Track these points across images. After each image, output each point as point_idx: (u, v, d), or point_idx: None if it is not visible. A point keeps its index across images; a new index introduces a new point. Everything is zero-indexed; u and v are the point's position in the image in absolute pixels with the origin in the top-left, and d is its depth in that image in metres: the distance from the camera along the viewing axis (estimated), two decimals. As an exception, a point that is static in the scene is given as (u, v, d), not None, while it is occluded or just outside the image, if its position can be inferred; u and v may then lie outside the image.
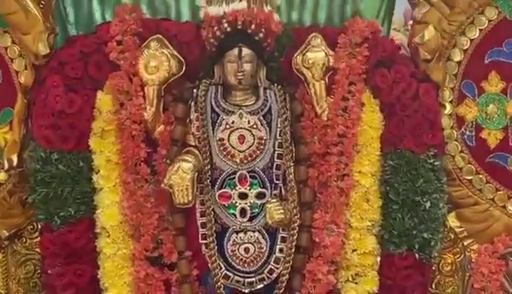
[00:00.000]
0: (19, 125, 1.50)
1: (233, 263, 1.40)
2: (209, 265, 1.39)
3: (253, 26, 1.40)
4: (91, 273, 1.42)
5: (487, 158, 1.51)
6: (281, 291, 1.41)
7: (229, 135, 1.41)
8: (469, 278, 1.55)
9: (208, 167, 1.41)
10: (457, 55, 1.51)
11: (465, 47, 1.50)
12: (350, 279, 1.41)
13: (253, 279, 1.39)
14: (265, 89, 1.45)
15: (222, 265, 1.39)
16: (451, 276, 1.56)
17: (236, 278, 1.39)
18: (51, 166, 1.45)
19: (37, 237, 1.55)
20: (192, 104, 1.44)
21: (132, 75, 1.41)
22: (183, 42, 1.46)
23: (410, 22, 1.79)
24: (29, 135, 1.51)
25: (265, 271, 1.39)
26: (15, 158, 1.50)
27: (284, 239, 1.42)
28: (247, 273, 1.40)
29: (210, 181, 1.41)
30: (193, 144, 1.43)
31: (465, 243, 1.53)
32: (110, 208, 1.41)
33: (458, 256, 1.57)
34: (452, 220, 1.52)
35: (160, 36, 1.44)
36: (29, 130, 1.52)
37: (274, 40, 1.46)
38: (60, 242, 1.44)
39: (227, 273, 1.39)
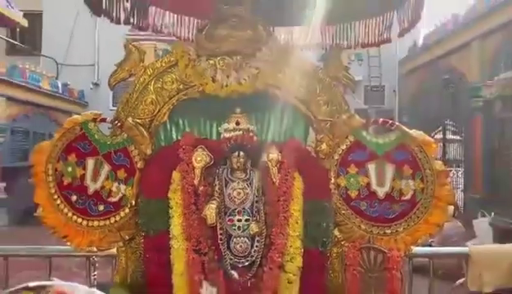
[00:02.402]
0: (136, 186, 1.67)
1: (234, 252, 1.58)
2: (222, 253, 1.58)
3: (244, 142, 1.64)
4: (167, 257, 1.57)
5: (351, 203, 1.70)
6: (256, 266, 1.57)
7: (232, 191, 1.62)
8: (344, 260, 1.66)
9: (223, 206, 1.61)
10: (337, 156, 1.71)
11: (340, 153, 1.71)
12: (289, 260, 1.56)
13: (243, 261, 1.58)
14: (250, 170, 1.66)
15: (229, 253, 1.58)
16: (336, 258, 1.69)
17: (235, 259, 1.57)
18: (148, 206, 1.63)
19: (142, 239, 1.68)
20: (216, 177, 1.65)
21: (189, 163, 1.62)
22: (213, 149, 1.67)
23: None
24: (140, 190, 1.65)
25: (249, 256, 1.58)
26: (133, 202, 1.67)
27: (258, 241, 1.58)
28: (240, 257, 1.59)
29: (224, 213, 1.61)
30: (216, 196, 1.63)
31: (342, 243, 1.69)
32: (176, 226, 1.58)
33: (338, 249, 1.69)
34: (336, 232, 1.69)
35: (203, 146, 1.66)
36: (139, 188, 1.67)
37: (254, 148, 1.65)
38: (153, 243, 1.63)
39: (231, 257, 1.58)
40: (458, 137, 10.34)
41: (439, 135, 10.73)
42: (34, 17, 12.03)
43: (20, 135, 9.89)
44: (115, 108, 1.85)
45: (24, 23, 7.49)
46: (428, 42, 11.16)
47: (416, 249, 1.80)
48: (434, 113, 10.74)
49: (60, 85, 11.35)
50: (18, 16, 7.11)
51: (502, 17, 7.87)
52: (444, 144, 10.58)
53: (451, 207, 1.71)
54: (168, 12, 2.30)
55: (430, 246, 4.20)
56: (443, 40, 10.39)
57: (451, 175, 9.26)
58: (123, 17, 2.03)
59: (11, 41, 12.44)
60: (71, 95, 11.99)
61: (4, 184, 7.81)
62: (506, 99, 5.26)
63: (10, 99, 9.01)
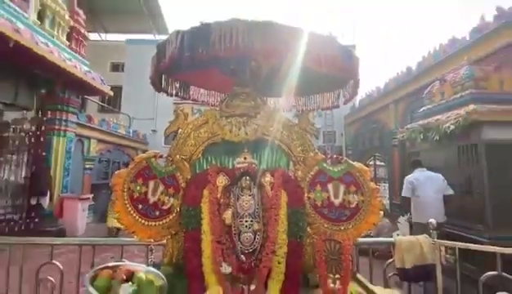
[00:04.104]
0: (180, 199, 1.62)
1: (243, 243, 1.52)
2: (235, 243, 1.52)
3: (249, 170, 1.61)
4: (199, 246, 1.49)
5: (318, 209, 1.62)
6: (257, 252, 1.50)
7: (242, 202, 1.57)
8: (314, 247, 1.56)
9: (236, 212, 1.55)
10: (308, 179, 1.65)
11: (310, 177, 1.66)
12: (278, 248, 1.50)
13: (249, 248, 1.51)
14: (253, 188, 1.60)
15: (239, 243, 1.52)
16: (308, 246, 1.61)
17: (243, 248, 1.51)
18: (188, 212, 1.57)
19: (183, 234, 1.58)
20: (232, 193, 1.60)
21: (214, 184, 1.58)
22: (229, 175, 1.63)
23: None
24: (182, 201, 1.62)
25: (252, 246, 1.51)
26: (178, 209, 1.62)
27: (258, 235, 1.53)
28: (247, 246, 1.52)
29: (236, 216, 1.54)
30: (231, 205, 1.58)
31: (312, 236, 1.62)
32: (205, 225, 1.51)
33: (310, 240, 1.63)
34: (309, 229, 1.56)
35: (223, 173, 1.61)
36: (182, 200, 1.62)
37: (255, 174, 1.62)
38: (190, 236, 1.54)
39: (241, 246, 1.51)
40: (383, 163, 10.39)
41: (372, 162, 10.78)
42: (117, 89, 12.68)
43: (104, 163, 9.92)
44: (166, 145, 1.90)
45: (111, 93, 7.91)
46: (362, 103, 11.54)
47: (360, 239, 1.75)
48: (368, 148, 10.90)
49: (131, 131, 11.55)
50: (107, 89, 7.52)
51: (408, 90, 8.18)
52: (375, 168, 10.62)
53: (382, 212, 1.65)
54: (202, 89, 2.40)
55: (369, 236, 4.10)
56: (372, 102, 10.72)
57: (381, 188, 9.18)
58: (174, 92, 2.08)
59: (102, 104, 13.09)
60: (138, 138, 12.15)
61: (92, 195, 7.82)
62: (412, 140, 5.40)
63: (99, 140, 9.22)
